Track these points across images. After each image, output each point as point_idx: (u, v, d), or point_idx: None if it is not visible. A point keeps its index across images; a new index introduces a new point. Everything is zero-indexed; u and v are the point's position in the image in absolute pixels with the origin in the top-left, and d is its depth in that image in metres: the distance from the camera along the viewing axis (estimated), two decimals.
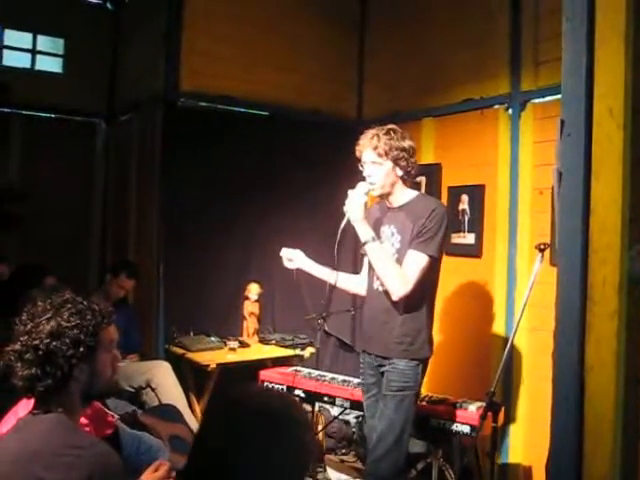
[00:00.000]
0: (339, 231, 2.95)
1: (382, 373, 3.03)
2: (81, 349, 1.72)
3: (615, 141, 1.73)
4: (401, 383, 2.93)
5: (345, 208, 2.92)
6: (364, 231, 2.93)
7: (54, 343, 1.69)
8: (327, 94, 5.18)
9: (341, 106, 5.29)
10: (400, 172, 2.99)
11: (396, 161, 2.96)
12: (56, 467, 1.58)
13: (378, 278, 3.00)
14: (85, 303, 1.81)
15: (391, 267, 2.92)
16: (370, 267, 3.07)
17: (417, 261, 2.89)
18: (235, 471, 1.26)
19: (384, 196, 3.05)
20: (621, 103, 1.72)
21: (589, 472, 1.68)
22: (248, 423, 1.30)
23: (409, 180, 3.08)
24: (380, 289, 3.01)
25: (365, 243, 2.93)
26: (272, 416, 1.33)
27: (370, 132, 3.01)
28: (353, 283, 3.27)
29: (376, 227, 3.03)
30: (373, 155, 2.96)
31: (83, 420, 1.97)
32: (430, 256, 2.90)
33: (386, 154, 2.94)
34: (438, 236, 2.91)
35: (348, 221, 2.94)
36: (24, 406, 1.80)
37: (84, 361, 1.73)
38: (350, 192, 2.93)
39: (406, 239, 2.95)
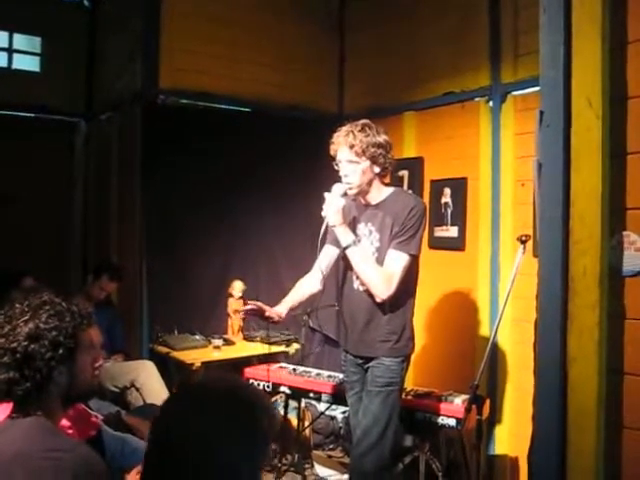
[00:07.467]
0: (320, 237, 2.89)
1: (366, 369, 3.03)
2: (60, 351, 1.69)
3: (594, 131, 1.73)
4: (387, 379, 2.93)
5: (323, 213, 2.87)
6: (345, 235, 2.88)
7: (32, 346, 1.66)
8: (308, 90, 5.16)
9: (322, 101, 5.27)
10: (377, 169, 2.92)
11: (373, 158, 2.88)
12: (37, 471, 1.56)
13: (358, 278, 2.96)
14: (64, 304, 1.78)
15: (374, 270, 2.88)
16: (348, 266, 3.01)
17: (399, 261, 2.86)
18: (194, 452, 1.27)
19: (361, 194, 2.98)
20: (599, 93, 1.73)
21: (573, 463, 1.68)
22: (209, 406, 1.33)
23: (386, 176, 3.03)
24: (361, 289, 2.98)
25: (346, 247, 2.89)
26: (232, 400, 1.36)
27: (344, 129, 2.92)
28: (308, 289, 3.13)
29: (352, 225, 2.98)
30: (349, 154, 2.87)
31: (65, 422, 1.94)
32: (411, 255, 2.88)
33: (363, 152, 2.85)
34: (418, 234, 2.89)
35: (327, 225, 2.89)
36: (2, 410, 1.77)
37: (63, 363, 1.70)
38: (327, 195, 2.87)
39: (385, 238, 2.91)
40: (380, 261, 2.91)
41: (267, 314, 2.96)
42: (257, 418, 1.34)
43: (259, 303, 2.98)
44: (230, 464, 1.29)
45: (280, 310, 3.02)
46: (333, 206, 2.85)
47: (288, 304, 3.07)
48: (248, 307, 2.96)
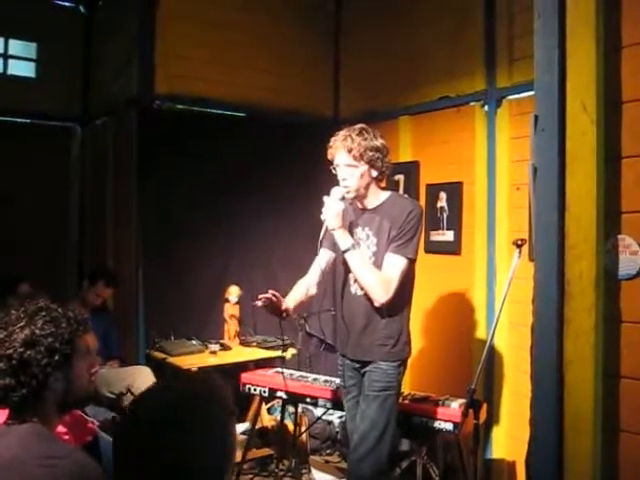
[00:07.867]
0: (319, 242, 2.92)
1: (363, 374, 3.03)
2: (56, 357, 1.68)
3: (589, 135, 1.74)
4: (384, 383, 2.93)
5: (322, 217, 2.88)
6: (343, 239, 2.89)
7: (28, 352, 1.65)
8: (303, 94, 5.17)
9: (317, 106, 5.28)
10: (375, 173, 2.94)
11: (371, 162, 2.90)
12: (33, 478, 1.55)
13: (356, 281, 2.97)
14: (60, 310, 1.77)
15: (372, 274, 2.88)
16: (345, 270, 3.02)
17: (397, 265, 2.87)
18: (161, 457, 1.29)
19: (358, 198, 3.00)
20: (594, 97, 1.73)
21: (570, 467, 1.68)
22: (172, 410, 1.34)
23: (382, 180, 3.04)
24: (358, 293, 2.99)
25: (345, 251, 2.90)
26: (192, 402, 1.37)
27: (341, 134, 2.94)
28: (307, 291, 3.12)
29: (349, 230, 2.98)
30: (348, 158, 2.89)
31: (61, 429, 1.94)
32: (409, 259, 2.89)
33: (361, 156, 2.87)
34: (415, 238, 2.91)
35: (327, 229, 2.90)
36: None
37: (59, 370, 1.69)
38: (326, 199, 2.88)
39: (383, 242, 2.92)
40: (377, 265, 2.91)
41: (284, 307, 2.96)
42: (214, 413, 1.36)
43: (277, 293, 2.95)
44: (201, 467, 1.31)
45: (289, 305, 3.02)
46: (332, 209, 2.86)
47: (292, 301, 3.06)
48: (267, 295, 2.91)
